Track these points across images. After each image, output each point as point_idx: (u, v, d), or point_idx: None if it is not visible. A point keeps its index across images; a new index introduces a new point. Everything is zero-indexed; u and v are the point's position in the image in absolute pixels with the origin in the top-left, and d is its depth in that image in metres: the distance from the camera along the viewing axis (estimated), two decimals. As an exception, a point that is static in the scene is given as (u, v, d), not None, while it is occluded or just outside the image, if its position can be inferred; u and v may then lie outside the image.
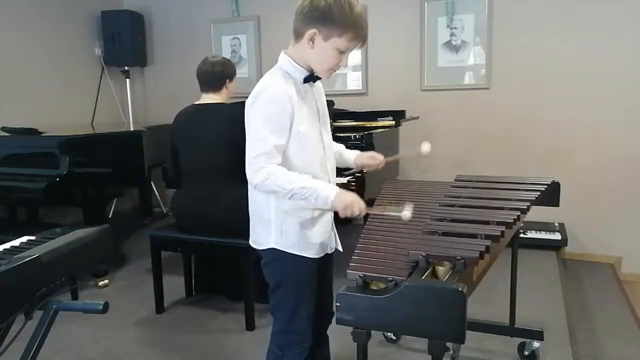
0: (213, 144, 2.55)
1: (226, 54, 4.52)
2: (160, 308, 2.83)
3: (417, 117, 3.55)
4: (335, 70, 1.54)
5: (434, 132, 3.83)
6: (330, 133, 1.70)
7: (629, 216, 3.52)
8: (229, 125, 2.51)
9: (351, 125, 3.38)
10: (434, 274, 1.29)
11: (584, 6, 3.45)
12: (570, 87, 3.55)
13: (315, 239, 1.60)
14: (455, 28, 3.79)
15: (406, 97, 3.89)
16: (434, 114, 3.85)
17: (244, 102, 1.56)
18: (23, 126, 3.28)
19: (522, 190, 1.92)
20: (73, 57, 4.42)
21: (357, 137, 2.93)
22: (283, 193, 1.45)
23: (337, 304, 1.19)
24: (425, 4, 3.83)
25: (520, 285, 2.30)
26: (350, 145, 1.91)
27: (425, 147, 1.83)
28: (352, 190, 1.58)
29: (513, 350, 2.28)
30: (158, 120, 4.22)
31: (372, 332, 1.23)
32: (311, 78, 1.56)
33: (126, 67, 4.72)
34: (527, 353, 2.24)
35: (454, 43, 3.81)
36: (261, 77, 1.58)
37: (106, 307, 1.39)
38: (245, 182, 1.55)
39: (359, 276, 1.24)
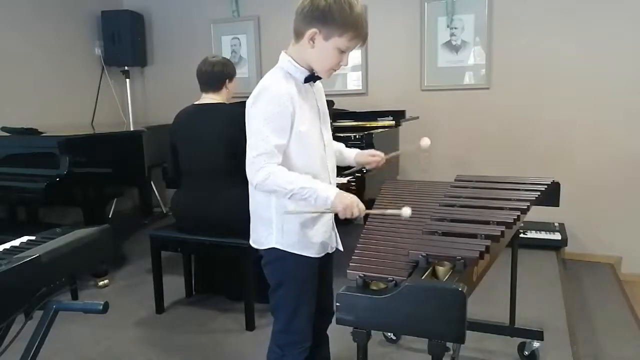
0: (213, 144, 2.55)
1: (226, 54, 4.52)
2: (160, 308, 2.83)
3: (417, 117, 3.55)
4: (335, 70, 1.54)
5: (434, 132, 3.80)
6: (330, 132, 1.70)
7: (629, 216, 3.52)
8: (229, 125, 2.51)
9: (351, 125, 3.38)
10: (434, 274, 1.29)
11: (584, 6, 3.45)
12: (570, 87, 3.55)
13: (316, 239, 1.60)
14: (455, 28, 3.79)
15: (406, 97, 3.89)
16: (434, 114, 3.85)
17: (243, 102, 1.57)
18: (23, 126, 3.28)
19: (522, 190, 1.92)
20: (73, 57, 4.42)
21: (357, 137, 2.92)
22: (283, 193, 1.45)
23: (337, 304, 1.19)
24: (425, 4, 3.83)
25: (520, 285, 2.30)
26: (350, 145, 1.91)
27: (425, 141, 1.84)
28: (352, 190, 1.59)
29: (513, 350, 2.28)
30: (158, 120, 4.22)
31: (372, 332, 1.23)
32: (312, 78, 1.56)
33: (126, 67, 4.72)
34: (527, 353, 2.24)
35: (454, 43, 3.81)
36: (261, 77, 1.58)
37: (106, 307, 1.39)
38: (245, 182, 1.55)
39: (359, 276, 1.23)
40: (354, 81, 4.17)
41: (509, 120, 3.74)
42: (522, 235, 2.96)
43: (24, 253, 1.33)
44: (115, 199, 4.31)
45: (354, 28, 1.45)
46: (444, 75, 3.86)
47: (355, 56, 4.01)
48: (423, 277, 1.24)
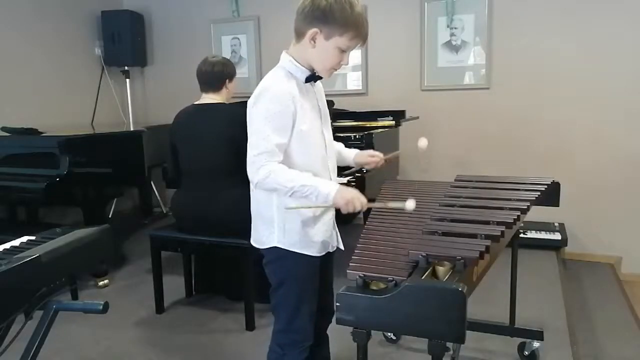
0: (213, 144, 2.55)
1: (226, 54, 4.52)
2: (160, 308, 2.83)
3: (417, 117, 3.55)
4: (336, 69, 1.55)
5: (434, 132, 3.83)
6: (331, 132, 1.71)
7: (629, 216, 3.52)
8: (228, 125, 2.51)
9: (351, 125, 3.38)
10: (434, 274, 1.29)
11: (584, 6, 3.45)
12: (570, 87, 3.55)
13: (317, 237, 1.60)
14: (455, 28, 3.79)
15: (406, 97, 3.89)
16: (434, 114, 3.85)
17: (244, 102, 1.57)
18: (23, 126, 3.28)
19: (522, 190, 1.92)
20: (73, 57, 4.42)
21: (357, 137, 2.93)
22: (284, 191, 1.46)
23: (337, 304, 1.19)
24: (425, 4, 3.83)
25: (520, 285, 2.30)
26: (350, 145, 1.91)
27: (422, 142, 1.83)
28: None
29: (513, 350, 2.28)
30: (158, 120, 4.22)
31: (372, 332, 1.23)
32: (313, 77, 1.56)
33: (126, 67, 4.72)
34: (527, 353, 2.24)
35: (454, 43, 3.81)
36: (261, 77, 1.58)
37: (106, 307, 1.39)
38: (245, 182, 1.55)
39: (359, 276, 1.23)
40: (354, 81, 4.17)
41: (509, 120, 3.74)
42: (522, 235, 2.97)
43: (24, 253, 1.33)
44: (115, 199, 4.30)
45: (354, 27, 1.46)
46: (444, 75, 3.87)
47: (355, 56, 4.01)
48: (423, 277, 1.24)
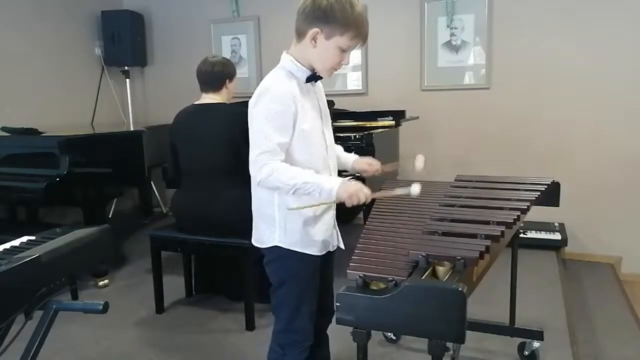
0: (213, 144, 2.55)
1: (226, 54, 4.52)
2: (160, 308, 2.83)
3: (417, 117, 3.55)
4: (337, 69, 1.56)
5: (434, 132, 3.83)
6: (331, 132, 1.71)
7: (629, 216, 3.52)
8: (229, 125, 2.51)
9: (351, 125, 3.38)
10: (434, 274, 1.29)
11: (584, 6, 3.45)
12: (570, 87, 3.55)
13: (318, 237, 1.60)
14: (455, 28, 3.79)
15: (406, 97, 3.89)
16: (434, 114, 3.85)
17: (244, 102, 1.57)
18: (23, 126, 3.28)
19: (522, 190, 1.92)
20: (73, 57, 4.42)
21: (357, 137, 2.92)
22: (286, 189, 1.46)
23: (337, 304, 1.19)
24: (425, 4, 3.83)
25: (520, 285, 2.30)
26: (350, 145, 1.91)
27: (419, 162, 1.75)
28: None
29: (513, 350, 2.28)
30: (158, 120, 4.22)
31: (372, 332, 1.23)
32: (313, 77, 1.57)
33: (126, 67, 4.72)
34: (527, 353, 2.24)
35: (454, 43, 3.81)
36: (261, 77, 1.59)
37: (106, 307, 1.39)
38: (245, 182, 1.56)
39: (359, 276, 1.23)
40: (354, 81, 4.17)
41: (509, 120, 3.74)
42: (522, 235, 2.96)
43: (24, 253, 1.33)
44: (115, 199, 4.30)
45: (355, 27, 1.46)
46: (444, 75, 3.86)
47: (355, 56, 4.01)
48: (423, 277, 1.24)
